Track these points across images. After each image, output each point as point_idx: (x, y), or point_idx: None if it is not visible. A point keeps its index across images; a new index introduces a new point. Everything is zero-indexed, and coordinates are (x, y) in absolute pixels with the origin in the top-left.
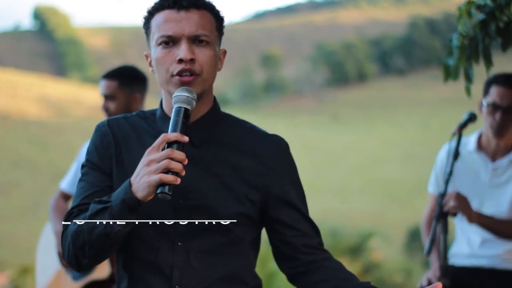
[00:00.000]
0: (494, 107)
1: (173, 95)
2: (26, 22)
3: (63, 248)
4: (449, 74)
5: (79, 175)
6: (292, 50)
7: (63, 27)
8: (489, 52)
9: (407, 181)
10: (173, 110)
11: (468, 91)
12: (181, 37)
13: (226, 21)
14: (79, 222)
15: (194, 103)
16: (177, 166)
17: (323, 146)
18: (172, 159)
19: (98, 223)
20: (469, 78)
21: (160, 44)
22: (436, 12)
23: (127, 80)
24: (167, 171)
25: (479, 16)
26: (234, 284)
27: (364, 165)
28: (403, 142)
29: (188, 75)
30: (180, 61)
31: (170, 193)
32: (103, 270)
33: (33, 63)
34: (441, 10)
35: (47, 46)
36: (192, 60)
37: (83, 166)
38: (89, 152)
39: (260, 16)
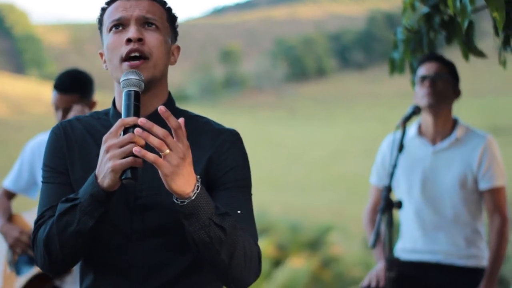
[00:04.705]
0: (422, 79)
1: (121, 80)
2: None
3: (36, 255)
4: (395, 67)
5: (23, 173)
6: (252, 45)
7: (21, 24)
8: (434, 45)
9: (367, 176)
10: (123, 94)
11: (413, 83)
12: (130, 20)
13: (186, 17)
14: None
15: (143, 85)
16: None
17: (283, 141)
18: (134, 143)
19: (69, 222)
20: (414, 71)
21: (110, 30)
22: (395, 6)
23: (87, 91)
24: (130, 155)
25: (423, 9)
26: (197, 276)
27: (324, 160)
28: (362, 137)
29: (137, 56)
30: (129, 41)
31: (135, 178)
32: None
33: None
34: (400, 4)
35: (5, 43)
36: (140, 40)
37: (42, 170)
38: (45, 156)
39: (219, 12)
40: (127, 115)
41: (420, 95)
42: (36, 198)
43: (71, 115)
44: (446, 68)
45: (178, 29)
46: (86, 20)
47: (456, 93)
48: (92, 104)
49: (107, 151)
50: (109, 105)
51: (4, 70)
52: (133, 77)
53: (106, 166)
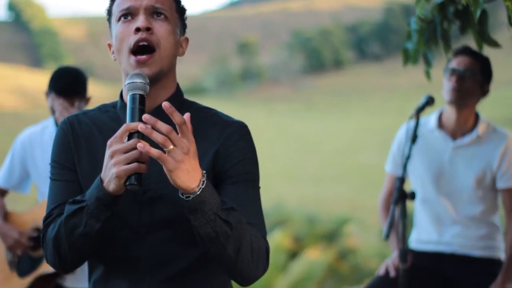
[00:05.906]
0: (452, 72)
1: (126, 83)
2: (1, 13)
3: (46, 254)
4: (408, 58)
5: (14, 169)
6: (268, 37)
7: (38, 18)
8: (448, 35)
9: (383, 168)
10: (128, 97)
11: (427, 74)
12: (138, 9)
13: (202, 9)
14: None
15: (148, 88)
16: (146, 156)
17: (300, 133)
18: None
19: (76, 224)
20: (428, 62)
21: (119, 19)
22: None
23: (85, 90)
24: (134, 161)
25: None
26: (204, 269)
27: (340, 152)
28: (379, 129)
29: (145, 46)
30: (137, 30)
31: (139, 184)
32: None
33: (8, 54)
34: None
35: (22, 37)
36: (149, 30)
37: (50, 166)
38: (53, 152)
39: (236, 4)
40: (132, 119)
41: (446, 89)
42: (29, 193)
43: (58, 113)
44: (477, 65)
45: (195, 22)
46: (102, 13)
47: (484, 92)
48: (87, 100)
49: (111, 156)
50: None
51: (22, 64)
52: (138, 80)
53: (110, 172)
